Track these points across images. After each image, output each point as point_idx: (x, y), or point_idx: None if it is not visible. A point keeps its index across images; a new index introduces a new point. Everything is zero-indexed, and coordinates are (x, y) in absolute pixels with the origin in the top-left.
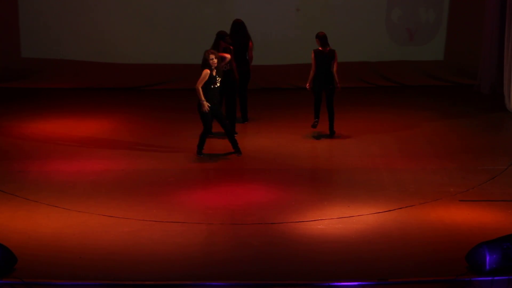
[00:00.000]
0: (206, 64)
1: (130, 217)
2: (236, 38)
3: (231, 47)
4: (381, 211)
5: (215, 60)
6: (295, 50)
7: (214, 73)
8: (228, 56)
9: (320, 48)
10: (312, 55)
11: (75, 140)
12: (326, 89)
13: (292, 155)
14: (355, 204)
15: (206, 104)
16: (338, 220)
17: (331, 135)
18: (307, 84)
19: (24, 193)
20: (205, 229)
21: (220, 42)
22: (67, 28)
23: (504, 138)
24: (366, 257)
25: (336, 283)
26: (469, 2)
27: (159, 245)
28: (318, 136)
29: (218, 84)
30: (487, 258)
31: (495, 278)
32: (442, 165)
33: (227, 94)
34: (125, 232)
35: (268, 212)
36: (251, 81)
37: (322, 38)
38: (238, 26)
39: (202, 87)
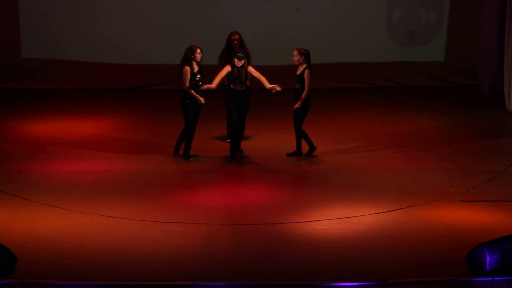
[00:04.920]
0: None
1: (130, 217)
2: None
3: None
4: (381, 211)
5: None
6: None
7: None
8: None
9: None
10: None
11: (75, 140)
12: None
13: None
14: (355, 204)
15: None
16: (338, 221)
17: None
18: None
19: (24, 193)
20: (205, 229)
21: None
22: (68, 28)
23: (504, 138)
24: (366, 257)
25: (336, 283)
26: (469, 3)
27: (159, 245)
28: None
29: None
30: (487, 259)
31: (495, 278)
32: (442, 165)
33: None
34: (125, 232)
35: (268, 213)
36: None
37: (307, 55)
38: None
39: None
